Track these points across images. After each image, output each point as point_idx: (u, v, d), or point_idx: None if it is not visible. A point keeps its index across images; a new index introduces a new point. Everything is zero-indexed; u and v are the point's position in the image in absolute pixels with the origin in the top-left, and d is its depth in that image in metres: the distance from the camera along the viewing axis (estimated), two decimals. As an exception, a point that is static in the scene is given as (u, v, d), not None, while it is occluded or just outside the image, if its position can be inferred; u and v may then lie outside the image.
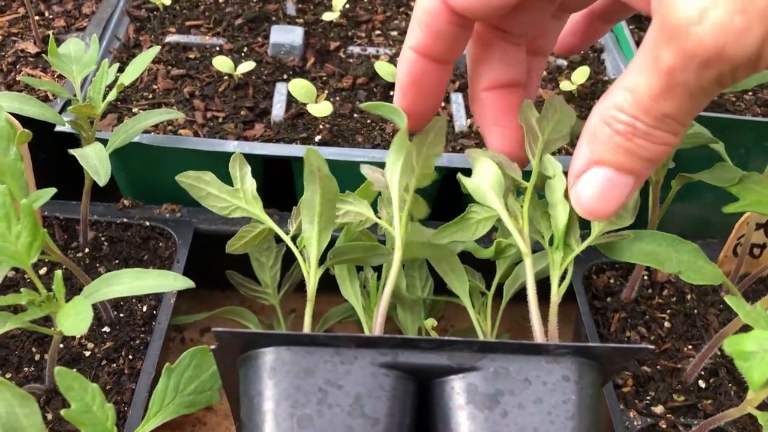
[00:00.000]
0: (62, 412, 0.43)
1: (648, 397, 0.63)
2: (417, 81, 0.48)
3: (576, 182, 0.42)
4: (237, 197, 0.56)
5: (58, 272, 0.47)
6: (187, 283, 0.50)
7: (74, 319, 0.45)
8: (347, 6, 0.97)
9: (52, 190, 0.54)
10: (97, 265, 0.70)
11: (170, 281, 0.50)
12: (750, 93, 0.87)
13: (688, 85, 0.35)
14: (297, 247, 0.54)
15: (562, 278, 0.50)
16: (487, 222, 0.51)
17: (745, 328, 0.46)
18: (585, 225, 0.52)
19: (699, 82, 0.34)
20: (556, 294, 0.49)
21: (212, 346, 0.42)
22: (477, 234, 0.52)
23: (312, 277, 0.52)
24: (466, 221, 0.52)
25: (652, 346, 0.41)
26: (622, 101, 0.38)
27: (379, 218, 0.55)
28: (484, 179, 0.50)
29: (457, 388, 0.41)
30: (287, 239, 0.54)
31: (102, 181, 0.59)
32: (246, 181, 0.56)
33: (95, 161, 0.60)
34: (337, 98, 0.83)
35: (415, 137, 0.52)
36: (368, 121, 0.80)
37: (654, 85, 0.36)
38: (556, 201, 0.50)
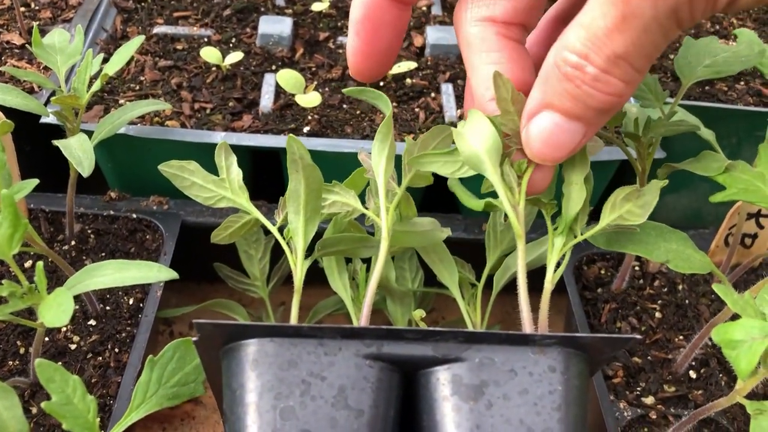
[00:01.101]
0: (43, 404, 0.42)
1: (638, 388, 0.62)
2: (372, 18, 0.44)
3: (528, 123, 0.41)
4: (223, 187, 0.55)
5: (40, 263, 0.47)
6: (170, 274, 0.50)
7: (56, 310, 0.45)
8: (337, -4, 0.96)
9: (35, 181, 0.53)
10: (84, 257, 0.69)
11: (154, 272, 0.49)
12: (742, 82, 0.86)
13: (644, 17, 0.34)
14: (284, 239, 0.53)
15: (558, 266, 0.49)
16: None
17: (735, 319, 0.45)
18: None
19: (655, 13, 0.33)
20: (550, 281, 0.48)
21: (194, 338, 0.41)
22: (461, 172, 0.48)
23: (299, 269, 0.51)
24: (453, 155, 0.47)
25: (639, 336, 0.41)
26: (575, 40, 0.36)
27: (367, 209, 0.54)
28: (481, 143, 0.45)
29: (442, 379, 0.40)
30: (274, 230, 0.54)
31: (86, 172, 0.58)
32: (232, 170, 0.55)
33: (79, 152, 0.59)
34: (326, 89, 0.82)
35: (421, 138, 0.51)
36: (357, 111, 0.80)
37: (609, 16, 0.34)
38: (572, 180, 0.48)
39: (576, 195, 0.48)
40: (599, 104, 0.38)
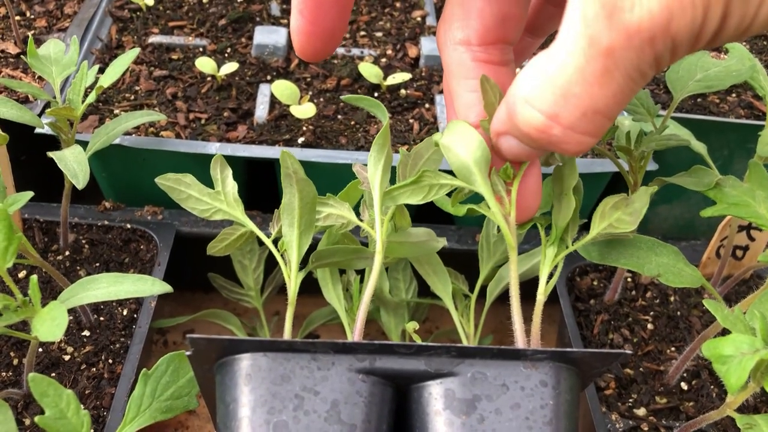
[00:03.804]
0: (36, 419, 0.42)
1: (630, 400, 0.63)
2: None
3: (497, 140, 0.41)
4: (218, 200, 0.55)
5: (34, 277, 0.47)
6: (164, 288, 0.50)
7: (50, 324, 0.45)
8: (332, 6, 0.96)
9: (29, 194, 0.53)
10: (78, 268, 0.69)
11: (148, 286, 0.50)
12: (733, 95, 0.87)
13: (626, 68, 0.32)
14: (278, 251, 0.53)
15: (549, 277, 0.49)
16: (442, 189, 0.48)
17: (726, 331, 0.46)
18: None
19: (639, 63, 0.31)
20: (543, 293, 0.48)
21: (188, 353, 0.41)
22: (429, 197, 0.48)
23: (293, 281, 0.52)
24: (417, 183, 0.48)
25: (629, 351, 0.41)
26: (541, 96, 0.34)
27: (361, 221, 0.54)
28: (469, 154, 0.44)
29: (434, 394, 0.40)
30: (268, 242, 0.54)
31: (80, 184, 0.58)
32: (227, 183, 0.55)
33: (74, 164, 0.59)
34: (321, 99, 0.83)
35: (415, 149, 0.51)
36: (352, 122, 0.80)
37: (588, 69, 0.32)
38: (562, 191, 0.48)
39: (565, 206, 0.49)
40: (566, 153, 0.37)
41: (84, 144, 0.65)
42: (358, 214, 0.56)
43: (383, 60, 0.89)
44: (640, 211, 0.47)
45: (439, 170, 0.50)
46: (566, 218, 0.48)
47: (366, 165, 0.53)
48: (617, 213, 0.48)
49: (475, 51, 0.42)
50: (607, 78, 0.32)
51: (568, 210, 0.48)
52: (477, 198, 0.46)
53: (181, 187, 0.55)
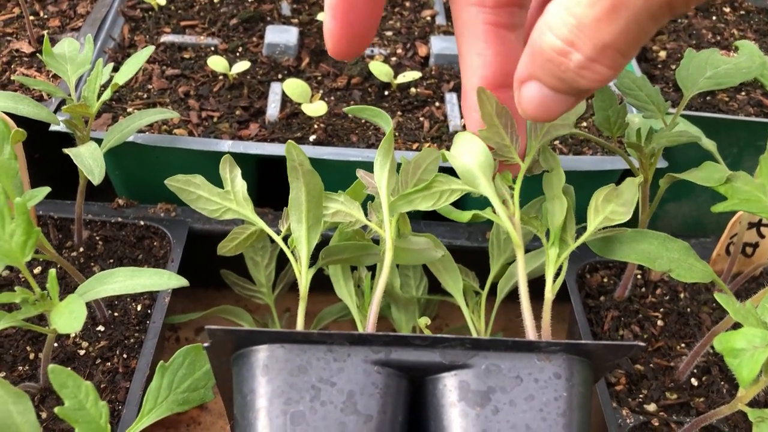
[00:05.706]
0: (56, 409, 0.43)
1: (641, 395, 0.63)
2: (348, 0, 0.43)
3: (519, 89, 0.41)
4: (228, 199, 0.56)
5: (52, 271, 0.48)
6: (181, 282, 0.50)
7: (68, 317, 0.45)
8: (342, 6, 0.97)
9: (46, 189, 0.54)
10: (92, 264, 0.70)
11: (164, 280, 0.50)
12: (743, 93, 0.87)
13: (635, 7, 0.33)
14: (288, 247, 0.54)
15: (557, 275, 0.51)
16: (453, 194, 0.49)
17: (737, 326, 0.46)
18: (580, 220, 0.52)
19: (647, 4, 0.32)
20: (550, 291, 0.50)
21: (206, 344, 0.42)
22: (440, 203, 0.49)
23: (303, 277, 0.52)
24: (429, 189, 0.49)
25: (642, 343, 0.42)
26: (560, 24, 0.35)
27: (369, 220, 0.55)
28: (473, 159, 0.46)
29: (449, 386, 0.41)
30: (279, 239, 0.54)
31: (96, 180, 0.59)
32: (237, 182, 0.56)
33: (90, 160, 0.60)
34: (332, 98, 0.83)
35: (414, 158, 0.52)
36: (363, 120, 0.80)
37: (598, 5, 0.33)
38: (553, 195, 0.50)
39: (558, 207, 0.50)
40: (584, 86, 0.37)
41: (98, 141, 0.65)
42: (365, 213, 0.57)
43: (393, 59, 0.89)
44: (632, 201, 0.49)
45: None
46: (560, 218, 0.50)
47: (369, 164, 0.54)
48: (610, 206, 0.49)
49: (487, 12, 0.43)
50: (614, 15, 0.33)
51: (561, 211, 0.50)
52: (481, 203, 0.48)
53: (190, 188, 0.56)
